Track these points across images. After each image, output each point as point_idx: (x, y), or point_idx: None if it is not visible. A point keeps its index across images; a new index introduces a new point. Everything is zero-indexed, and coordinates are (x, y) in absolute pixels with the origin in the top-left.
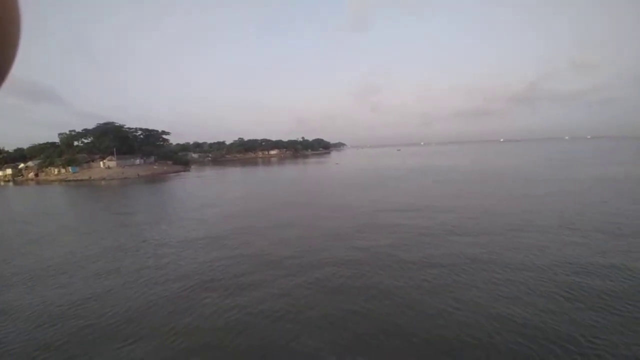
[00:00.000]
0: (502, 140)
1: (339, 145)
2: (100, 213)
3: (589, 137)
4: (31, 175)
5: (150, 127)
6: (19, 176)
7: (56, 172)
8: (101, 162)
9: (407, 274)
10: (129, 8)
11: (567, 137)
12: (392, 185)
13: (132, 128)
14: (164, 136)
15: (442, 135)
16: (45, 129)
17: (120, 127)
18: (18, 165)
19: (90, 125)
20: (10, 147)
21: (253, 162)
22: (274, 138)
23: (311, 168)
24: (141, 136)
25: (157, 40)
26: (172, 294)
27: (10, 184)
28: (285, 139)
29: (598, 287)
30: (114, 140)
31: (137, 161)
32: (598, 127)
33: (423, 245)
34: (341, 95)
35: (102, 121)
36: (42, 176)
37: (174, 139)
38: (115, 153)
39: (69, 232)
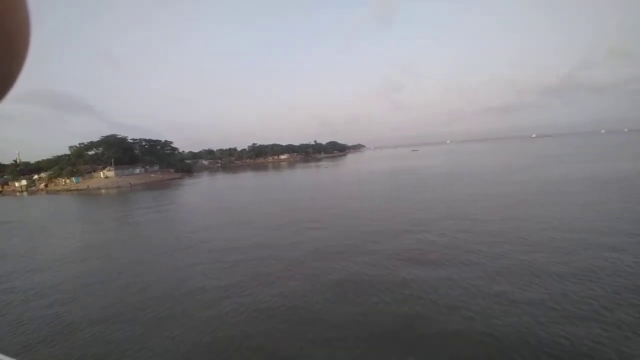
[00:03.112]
0: (534, 135)
1: (358, 147)
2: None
3: (626, 130)
4: (42, 186)
5: (184, 135)
6: (32, 187)
7: (63, 183)
8: (101, 173)
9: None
10: (156, 18)
11: (603, 131)
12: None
13: (137, 139)
14: (171, 145)
15: (470, 132)
16: (79, 138)
17: (123, 138)
18: (32, 177)
19: (123, 133)
20: (46, 157)
21: (262, 167)
22: (298, 142)
23: (300, 172)
24: (145, 146)
25: (187, 49)
26: None
27: (25, 193)
28: (309, 142)
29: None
30: (117, 151)
31: (137, 170)
32: (638, 120)
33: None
34: (364, 95)
35: (132, 130)
36: (51, 186)
37: (200, 146)
38: (113, 163)
39: None
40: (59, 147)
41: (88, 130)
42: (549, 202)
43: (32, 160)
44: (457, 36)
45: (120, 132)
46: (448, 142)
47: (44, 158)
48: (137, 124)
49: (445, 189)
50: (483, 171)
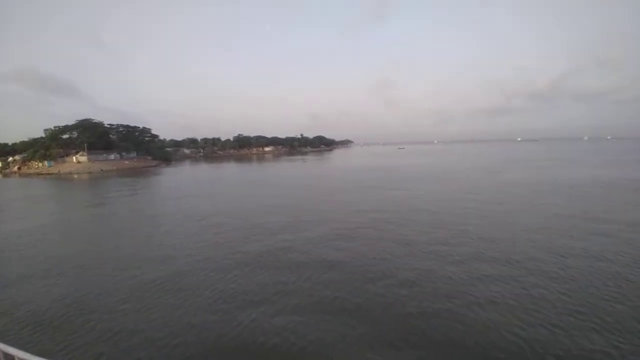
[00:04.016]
0: (519, 139)
1: (346, 143)
2: None
3: (609, 137)
4: (15, 168)
5: (169, 121)
6: (7, 169)
7: (35, 166)
8: (74, 157)
9: None
10: (147, 2)
11: (585, 138)
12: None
13: (114, 124)
14: (150, 132)
15: (458, 133)
16: (63, 121)
17: (99, 123)
18: (7, 159)
19: (108, 119)
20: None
21: (245, 159)
22: (287, 134)
23: (276, 165)
24: (123, 132)
25: (175, 35)
26: None
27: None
28: (295, 135)
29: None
30: (91, 136)
31: (112, 156)
32: (622, 128)
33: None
34: (356, 91)
35: (119, 115)
36: (24, 169)
37: (190, 134)
38: (86, 148)
39: None
40: (41, 129)
41: (72, 113)
42: (474, 200)
43: (13, 141)
44: (449, 38)
45: (106, 117)
46: (435, 141)
47: (23, 140)
48: (123, 109)
49: (393, 185)
50: (443, 172)
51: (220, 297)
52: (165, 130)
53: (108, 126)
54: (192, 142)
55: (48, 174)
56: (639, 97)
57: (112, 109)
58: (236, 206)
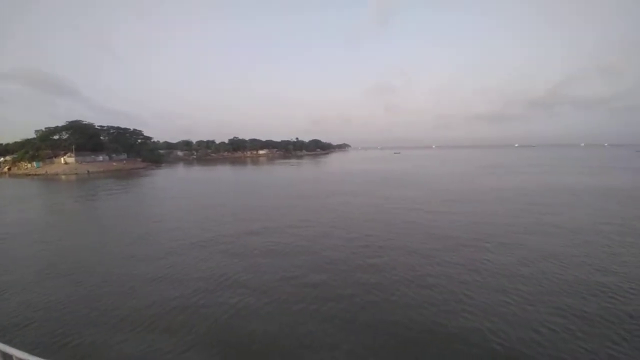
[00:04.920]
0: (516, 145)
1: (343, 147)
2: None
3: (606, 144)
4: (6, 169)
5: (170, 122)
6: None
7: (25, 167)
8: (62, 159)
9: None
10: (153, 10)
11: (582, 144)
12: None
13: (105, 126)
14: (142, 134)
15: (457, 138)
16: (60, 122)
17: (89, 124)
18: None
19: (107, 119)
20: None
21: (239, 162)
22: (287, 137)
23: (266, 169)
24: (113, 134)
25: (179, 38)
26: None
27: None
28: (290, 138)
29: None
30: (80, 137)
31: (100, 158)
32: (620, 135)
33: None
34: (356, 95)
35: (119, 116)
36: (14, 170)
37: (187, 136)
38: (74, 149)
39: None
40: (41, 129)
41: (72, 114)
42: (438, 205)
43: (9, 141)
44: (450, 45)
45: (105, 118)
46: (434, 147)
47: (17, 140)
48: (124, 110)
49: (371, 190)
50: (427, 177)
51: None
52: (166, 132)
53: (99, 127)
54: (186, 145)
55: (36, 174)
56: (637, 104)
57: (112, 109)
58: (190, 208)
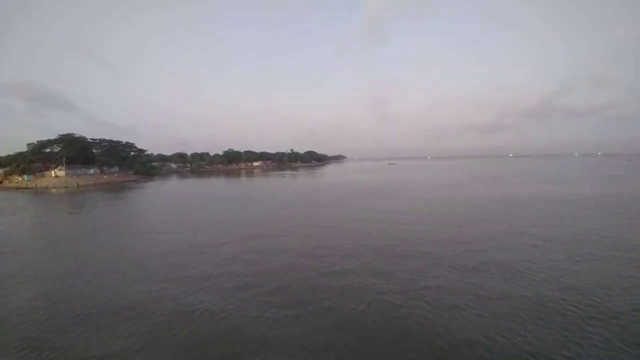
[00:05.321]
0: (511, 155)
1: (339, 158)
2: None
3: (599, 154)
4: None
5: (165, 135)
6: None
7: (16, 180)
8: (52, 172)
9: None
10: (144, 18)
11: (576, 154)
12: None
13: (97, 139)
14: (135, 146)
15: (452, 149)
16: (57, 135)
17: (81, 137)
18: None
19: (101, 133)
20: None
21: (233, 174)
22: (282, 149)
23: (257, 181)
24: (105, 146)
25: (174, 50)
26: None
27: None
28: (285, 150)
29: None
30: (71, 150)
31: (91, 171)
32: (613, 144)
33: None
34: (351, 107)
35: (114, 129)
36: (5, 183)
37: (183, 148)
38: (64, 163)
39: None
40: (29, 142)
41: (67, 127)
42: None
43: (2, 154)
44: (443, 57)
45: (99, 130)
46: (429, 157)
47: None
48: (118, 122)
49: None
50: (405, 188)
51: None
52: (161, 144)
53: (91, 141)
54: (180, 157)
55: (26, 188)
56: (630, 114)
57: (107, 122)
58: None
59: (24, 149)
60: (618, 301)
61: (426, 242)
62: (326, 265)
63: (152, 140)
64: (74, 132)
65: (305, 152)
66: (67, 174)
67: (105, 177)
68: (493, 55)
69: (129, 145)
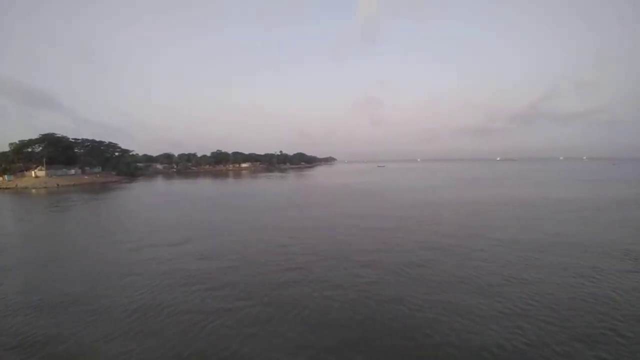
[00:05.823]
0: (498, 159)
1: (329, 160)
2: None
3: (584, 158)
4: None
5: (156, 135)
6: None
7: None
8: (33, 172)
9: None
10: (137, 20)
11: (561, 158)
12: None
13: (79, 139)
14: (119, 147)
15: (442, 152)
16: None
17: (63, 137)
18: None
19: (90, 132)
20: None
21: (221, 175)
22: (274, 150)
23: (243, 182)
24: (88, 146)
25: (167, 51)
26: None
27: None
28: (274, 152)
29: None
30: (52, 150)
31: (72, 171)
32: (597, 149)
33: None
34: (343, 108)
35: (101, 128)
36: None
37: (173, 149)
38: (45, 162)
39: None
40: (12, 142)
41: (53, 126)
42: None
43: None
44: (434, 62)
45: (88, 130)
46: (419, 160)
47: None
48: (106, 121)
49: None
50: (384, 190)
51: None
52: (151, 145)
53: (73, 140)
54: (166, 158)
55: (6, 188)
56: (617, 118)
57: (95, 121)
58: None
59: (5, 148)
60: (537, 304)
61: (385, 243)
62: (282, 266)
63: (142, 142)
64: (62, 132)
65: (295, 154)
66: (47, 174)
67: (86, 177)
68: (484, 59)
69: (113, 146)
